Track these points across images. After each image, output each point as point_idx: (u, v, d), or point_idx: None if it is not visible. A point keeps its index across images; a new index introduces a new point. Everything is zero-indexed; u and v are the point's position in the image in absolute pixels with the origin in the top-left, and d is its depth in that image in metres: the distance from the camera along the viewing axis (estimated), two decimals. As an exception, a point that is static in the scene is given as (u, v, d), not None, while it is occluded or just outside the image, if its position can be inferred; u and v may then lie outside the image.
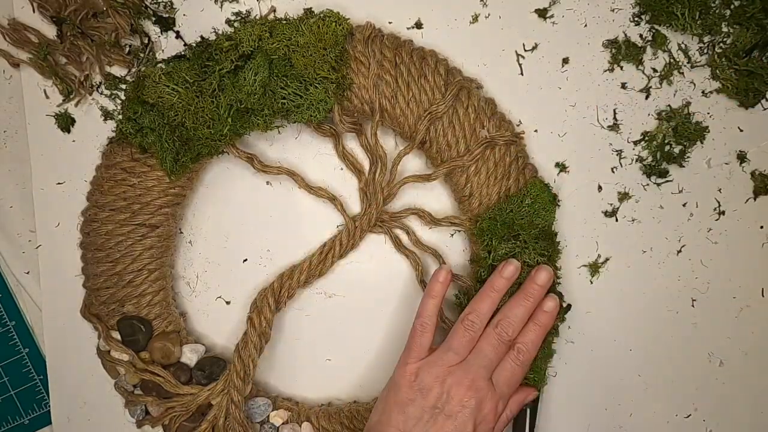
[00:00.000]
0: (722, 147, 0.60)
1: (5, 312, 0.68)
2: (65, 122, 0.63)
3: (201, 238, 0.65)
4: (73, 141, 0.64)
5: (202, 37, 0.61)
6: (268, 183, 0.64)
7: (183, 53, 0.60)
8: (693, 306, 0.61)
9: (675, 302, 0.61)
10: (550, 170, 0.61)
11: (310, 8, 0.59)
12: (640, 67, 0.60)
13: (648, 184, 0.61)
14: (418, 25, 0.61)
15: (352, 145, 0.62)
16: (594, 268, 0.61)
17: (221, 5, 0.61)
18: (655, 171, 0.60)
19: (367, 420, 0.57)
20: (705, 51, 0.59)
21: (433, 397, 0.52)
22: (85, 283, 0.63)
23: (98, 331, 0.62)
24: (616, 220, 0.61)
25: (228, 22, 0.61)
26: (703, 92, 0.59)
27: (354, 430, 0.61)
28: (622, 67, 0.60)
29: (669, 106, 0.60)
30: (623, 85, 0.60)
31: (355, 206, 0.63)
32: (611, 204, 0.61)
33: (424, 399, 0.52)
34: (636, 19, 0.59)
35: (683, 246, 0.61)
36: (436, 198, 0.63)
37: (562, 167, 0.61)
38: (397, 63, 0.57)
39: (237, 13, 0.61)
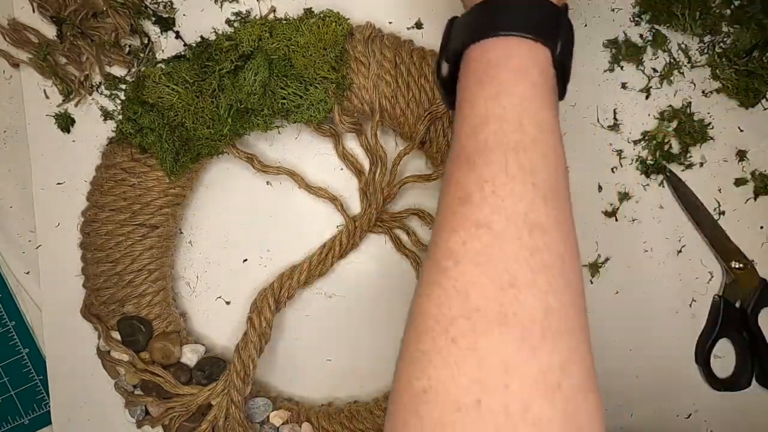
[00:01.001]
0: (722, 147, 0.60)
1: (5, 312, 0.68)
2: (65, 122, 0.63)
3: (201, 238, 0.65)
4: (73, 141, 0.64)
5: (202, 37, 0.61)
6: (268, 183, 0.64)
7: (183, 53, 0.60)
8: (693, 306, 0.61)
9: (675, 302, 0.61)
10: (550, 170, 0.61)
11: (310, 8, 0.59)
12: (640, 67, 0.60)
13: (648, 184, 0.61)
14: (418, 25, 0.61)
15: (352, 145, 0.62)
16: (594, 268, 0.61)
17: (221, 5, 0.61)
18: (655, 171, 0.60)
19: (367, 420, 0.57)
20: (705, 51, 0.59)
21: None
22: (85, 283, 0.63)
23: (98, 331, 0.62)
24: (616, 220, 0.61)
25: (228, 22, 0.61)
26: (703, 92, 0.59)
27: (354, 430, 0.61)
28: (622, 67, 0.60)
29: (670, 106, 0.60)
30: (623, 85, 0.60)
31: (355, 206, 0.63)
32: (611, 204, 0.61)
33: None
34: (636, 19, 0.59)
35: (683, 246, 0.61)
36: (436, 198, 0.63)
37: (562, 167, 0.61)
38: (397, 63, 0.57)
39: (237, 13, 0.61)
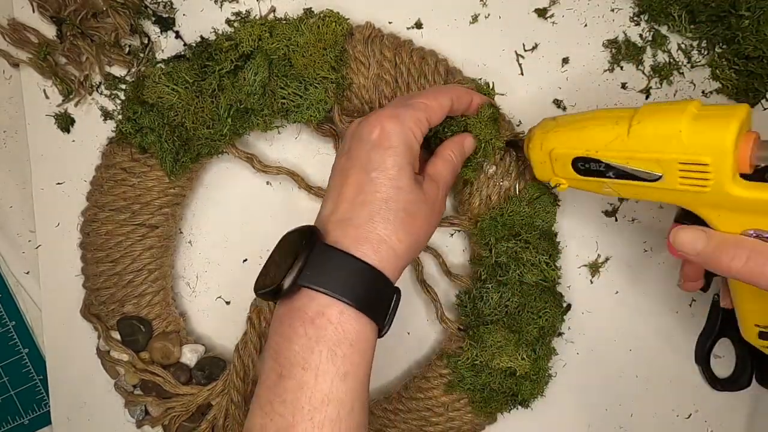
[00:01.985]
0: (722, 147, 0.60)
1: (5, 312, 0.68)
2: (65, 122, 0.63)
3: (201, 238, 0.65)
4: (73, 141, 0.64)
5: (202, 37, 0.61)
6: (268, 183, 0.64)
7: (183, 53, 0.60)
8: (692, 306, 0.61)
9: (675, 302, 0.61)
10: (550, 170, 0.61)
11: (310, 8, 0.59)
12: (640, 67, 0.60)
13: (648, 184, 0.61)
14: (418, 25, 0.61)
15: (352, 145, 0.62)
16: (594, 268, 0.61)
17: (221, 5, 0.61)
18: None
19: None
20: (705, 51, 0.59)
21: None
22: (85, 283, 0.63)
23: (98, 331, 0.62)
24: (616, 220, 0.61)
25: (228, 22, 0.61)
26: (703, 92, 0.59)
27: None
28: (622, 67, 0.60)
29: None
30: (623, 85, 0.60)
31: (355, 206, 0.63)
32: (611, 204, 0.61)
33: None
34: (636, 19, 0.59)
35: (683, 246, 0.61)
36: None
37: (562, 167, 0.61)
38: (397, 63, 0.57)
39: (237, 13, 0.61)
